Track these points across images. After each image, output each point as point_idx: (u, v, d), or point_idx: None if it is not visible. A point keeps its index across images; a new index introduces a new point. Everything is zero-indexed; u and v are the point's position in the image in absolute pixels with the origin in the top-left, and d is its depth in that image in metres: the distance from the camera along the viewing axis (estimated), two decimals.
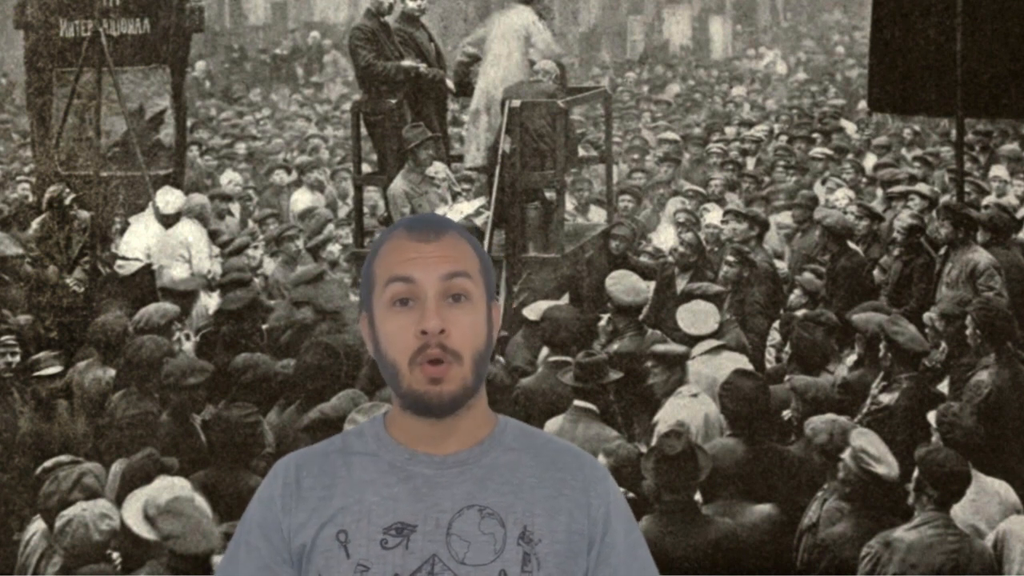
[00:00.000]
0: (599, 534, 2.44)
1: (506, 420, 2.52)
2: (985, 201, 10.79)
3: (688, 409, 7.05)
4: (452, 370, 2.38)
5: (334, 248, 10.56)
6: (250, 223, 12.41)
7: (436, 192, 10.14)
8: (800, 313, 8.52)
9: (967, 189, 10.12)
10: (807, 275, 9.41)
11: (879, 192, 11.93)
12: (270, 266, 10.65)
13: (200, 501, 5.64)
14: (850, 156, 13.81)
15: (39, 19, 10.80)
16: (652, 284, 9.42)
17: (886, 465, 5.85)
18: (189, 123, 13.48)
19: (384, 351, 2.42)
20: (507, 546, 2.37)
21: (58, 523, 5.70)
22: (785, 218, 11.37)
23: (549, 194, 10.07)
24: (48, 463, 6.23)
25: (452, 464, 2.43)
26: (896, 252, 9.44)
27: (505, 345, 8.44)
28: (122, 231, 10.32)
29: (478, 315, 2.42)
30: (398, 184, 10.12)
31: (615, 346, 8.01)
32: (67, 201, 9.99)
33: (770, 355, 9.10)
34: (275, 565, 2.43)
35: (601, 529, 2.45)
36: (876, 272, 9.71)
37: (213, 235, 10.44)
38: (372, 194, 11.67)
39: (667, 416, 7.00)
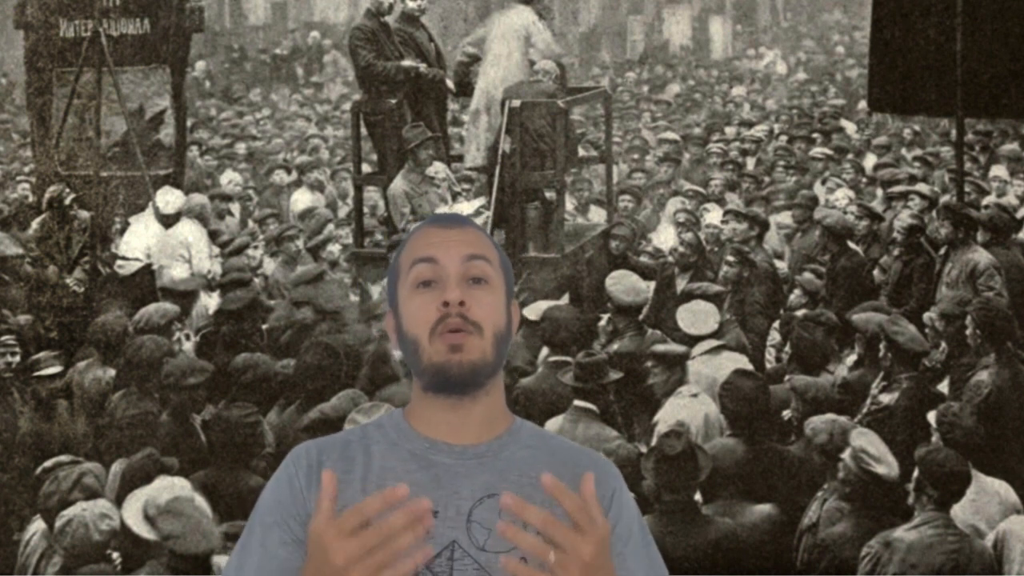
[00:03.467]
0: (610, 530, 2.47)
1: (522, 421, 2.55)
2: (985, 201, 10.79)
3: (688, 409, 7.05)
4: (472, 339, 2.41)
5: (334, 248, 10.56)
6: (250, 223, 12.41)
7: (436, 192, 10.14)
8: (800, 313, 8.52)
9: (967, 189, 10.12)
10: (807, 275, 9.41)
11: (879, 192, 11.93)
12: (270, 266, 10.65)
13: (200, 501, 5.64)
14: (850, 156, 13.82)
15: (39, 19, 10.80)
16: (652, 284, 9.42)
17: (886, 465, 5.85)
18: (189, 123, 13.48)
19: (406, 331, 2.45)
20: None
21: (58, 523, 5.70)
22: (785, 218, 11.37)
23: (549, 194, 10.08)
24: (48, 463, 6.23)
25: (471, 456, 2.45)
26: (896, 252, 9.44)
27: None
28: (122, 231, 10.32)
29: (498, 297, 2.47)
30: (398, 184, 10.13)
31: (615, 346, 8.01)
32: (67, 201, 9.99)
33: (770, 355, 9.10)
34: (293, 544, 2.41)
35: (612, 522, 2.45)
36: (876, 272, 9.71)
37: (213, 235, 10.44)
38: (372, 194, 11.67)
39: (667, 416, 7.00)
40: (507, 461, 2.46)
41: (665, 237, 10.76)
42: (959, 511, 5.82)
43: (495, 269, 2.48)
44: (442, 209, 9.88)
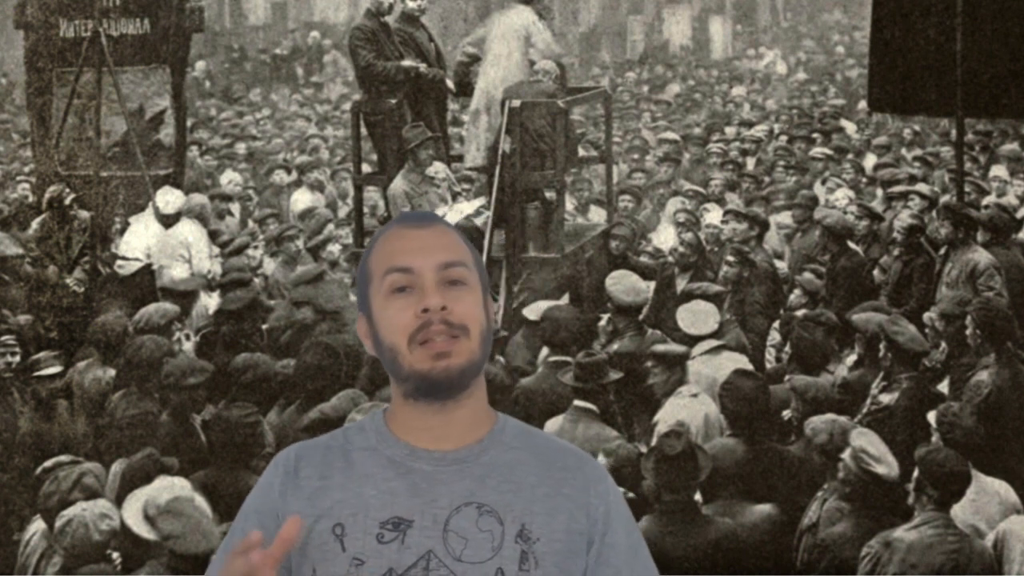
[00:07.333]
0: (599, 533, 2.43)
1: (505, 418, 2.50)
2: (985, 201, 10.79)
3: (688, 409, 7.05)
4: (460, 344, 2.37)
5: (334, 248, 10.56)
6: (250, 223, 12.41)
7: (436, 192, 10.14)
8: (800, 313, 8.52)
9: (967, 189, 10.12)
10: (807, 275, 9.41)
11: (879, 192, 11.93)
12: (270, 266, 10.66)
13: (200, 501, 5.64)
14: (850, 156, 13.82)
15: (39, 19, 10.80)
16: (652, 284, 9.42)
17: (886, 465, 5.85)
18: (189, 123, 13.48)
19: (383, 338, 2.41)
20: (505, 543, 2.36)
21: (58, 523, 5.70)
22: (785, 218, 11.37)
23: (549, 194, 10.07)
24: (48, 463, 6.23)
25: (451, 461, 2.41)
26: (896, 252, 9.44)
27: (505, 345, 8.44)
28: (122, 231, 10.32)
29: (477, 296, 2.42)
30: (398, 184, 10.12)
31: (615, 346, 8.01)
32: (67, 201, 9.99)
33: (770, 355, 9.10)
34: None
35: (601, 528, 2.43)
36: (876, 272, 9.71)
37: (213, 235, 10.44)
38: (372, 194, 11.67)
39: (667, 416, 7.00)
40: (488, 466, 2.42)
41: (665, 237, 10.76)
42: (959, 511, 5.82)
43: (471, 270, 2.44)
44: (442, 209, 9.88)
